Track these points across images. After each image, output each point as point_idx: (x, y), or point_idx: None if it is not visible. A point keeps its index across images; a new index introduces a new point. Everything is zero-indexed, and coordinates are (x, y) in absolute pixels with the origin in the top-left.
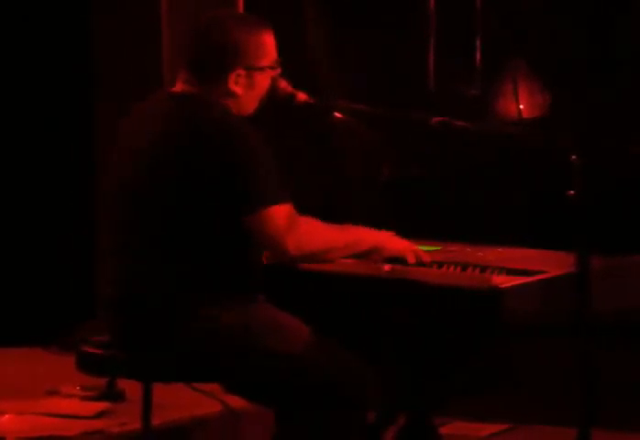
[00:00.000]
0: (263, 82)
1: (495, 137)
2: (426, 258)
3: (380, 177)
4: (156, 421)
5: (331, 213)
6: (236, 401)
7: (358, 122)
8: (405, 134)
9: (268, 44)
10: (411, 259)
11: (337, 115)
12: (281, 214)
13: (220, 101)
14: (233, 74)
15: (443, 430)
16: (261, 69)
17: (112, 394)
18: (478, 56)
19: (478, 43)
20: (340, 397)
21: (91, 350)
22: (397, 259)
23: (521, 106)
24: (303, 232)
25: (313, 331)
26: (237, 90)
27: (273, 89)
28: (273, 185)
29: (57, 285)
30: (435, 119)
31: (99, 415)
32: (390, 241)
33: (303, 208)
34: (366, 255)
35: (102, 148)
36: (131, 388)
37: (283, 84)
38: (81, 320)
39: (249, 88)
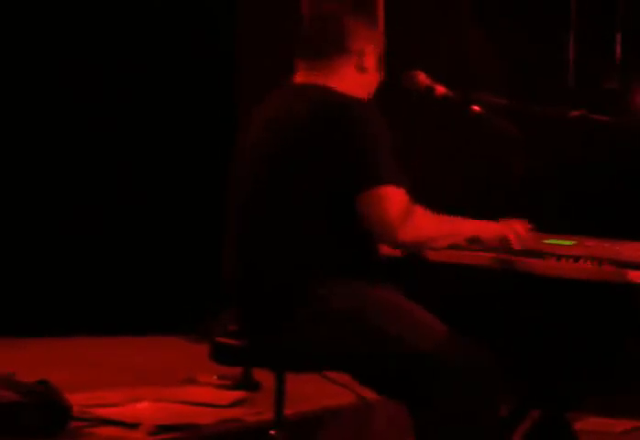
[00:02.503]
0: (376, 67)
1: (634, 131)
2: (529, 237)
3: (516, 171)
4: (289, 410)
5: (465, 207)
6: (369, 393)
7: (496, 116)
8: (543, 128)
9: (377, 32)
10: (514, 242)
11: (475, 108)
12: (395, 195)
13: (339, 87)
14: (348, 58)
15: (576, 425)
16: (374, 54)
17: (248, 384)
18: (618, 51)
19: (618, 38)
20: (473, 390)
21: (223, 340)
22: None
23: None
24: (413, 218)
25: (443, 324)
26: (354, 74)
27: (412, 82)
28: (391, 167)
29: (198, 273)
30: (574, 113)
31: (235, 404)
32: (488, 229)
33: (440, 202)
34: (468, 244)
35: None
36: (268, 378)
37: (422, 77)
38: (220, 308)
39: (364, 72)
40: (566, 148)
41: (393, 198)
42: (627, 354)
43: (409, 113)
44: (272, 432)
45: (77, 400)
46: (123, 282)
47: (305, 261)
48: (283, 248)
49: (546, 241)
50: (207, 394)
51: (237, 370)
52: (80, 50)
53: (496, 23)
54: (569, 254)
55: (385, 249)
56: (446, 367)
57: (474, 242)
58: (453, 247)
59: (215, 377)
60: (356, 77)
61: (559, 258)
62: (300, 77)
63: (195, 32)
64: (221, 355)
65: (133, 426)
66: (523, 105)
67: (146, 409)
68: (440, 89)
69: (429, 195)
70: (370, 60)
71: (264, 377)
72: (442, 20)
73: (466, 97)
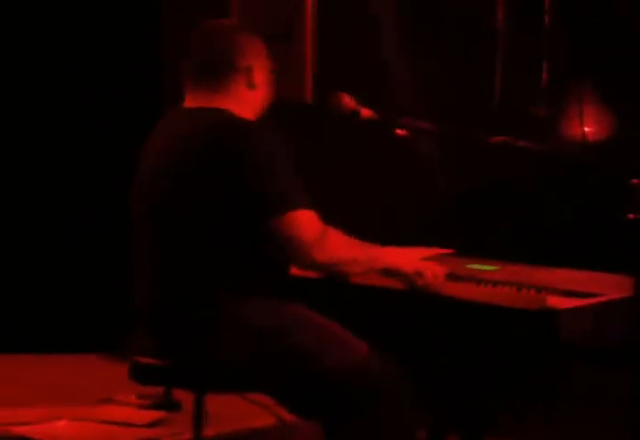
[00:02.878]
0: (266, 81)
1: (556, 158)
2: (441, 279)
3: (438, 194)
4: (210, 431)
5: (388, 229)
6: (289, 414)
7: (419, 139)
8: (466, 152)
9: (263, 47)
10: (428, 278)
11: (399, 131)
12: (306, 218)
13: (231, 107)
14: (237, 76)
15: None
16: (262, 69)
17: (168, 403)
18: (544, 76)
19: (545, 63)
20: (388, 413)
21: (143, 360)
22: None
23: (586, 129)
24: (329, 240)
25: (360, 341)
26: (244, 91)
27: (338, 104)
28: (297, 189)
29: (116, 289)
30: (495, 139)
31: (153, 424)
32: (404, 261)
33: (363, 223)
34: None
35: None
36: (188, 398)
37: (347, 100)
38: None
39: (254, 88)
40: (490, 172)
41: (306, 221)
42: (548, 378)
43: (334, 134)
44: None
45: None
46: (40, 299)
47: (218, 282)
48: (196, 272)
49: (469, 266)
50: (126, 413)
51: (157, 390)
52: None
53: (424, 47)
54: (490, 279)
55: (297, 271)
56: (363, 383)
57: (390, 274)
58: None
59: (133, 396)
60: (246, 94)
61: (479, 282)
62: (190, 100)
63: (121, 31)
64: (141, 374)
65: None
66: (447, 129)
67: (64, 427)
68: (365, 112)
69: (350, 217)
70: (259, 76)
71: (185, 397)
72: (369, 43)
73: (390, 120)
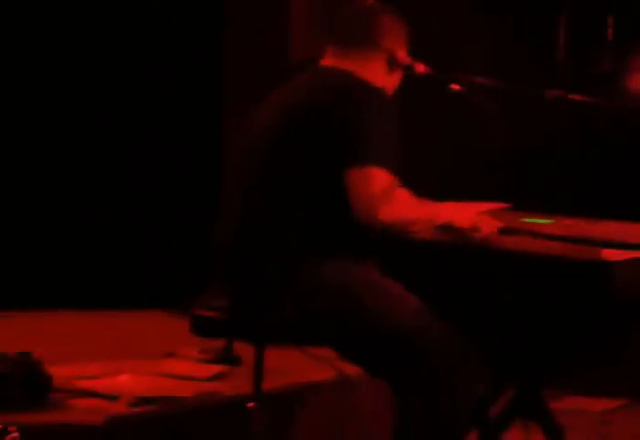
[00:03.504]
0: (400, 70)
1: (615, 112)
2: (494, 229)
3: (496, 150)
4: (268, 385)
5: (444, 184)
6: (351, 368)
7: (475, 94)
8: (523, 106)
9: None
10: (484, 230)
11: (455, 86)
12: (380, 177)
13: (365, 75)
14: (379, 53)
15: (555, 405)
16: (401, 59)
17: (229, 358)
18: (610, 33)
19: (611, 21)
20: (450, 367)
21: (202, 313)
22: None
23: None
24: (396, 201)
25: (420, 301)
26: (382, 68)
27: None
28: (383, 151)
29: (184, 248)
30: (551, 93)
31: (214, 378)
32: (461, 216)
33: (420, 179)
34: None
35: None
36: (249, 352)
37: (402, 55)
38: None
39: (391, 72)
40: (546, 127)
41: (378, 179)
42: (605, 330)
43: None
44: (250, 405)
45: (58, 372)
46: (106, 256)
47: (295, 238)
48: (275, 224)
49: (525, 220)
50: (187, 368)
51: (218, 344)
52: (75, 51)
53: (486, 7)
54: (546, 232)
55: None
56: (423, 341)
57: (446, 229)
58: None
59: (196, 350)
60: (383, 72)
61: (535, 235)
62: (328, 61)
63: (182, 32)
64: (199, 327)
65: (113, 398)
66: (502, 85)
67: (126, 381)
68: (420, 67)
69: (407, 173)
70: (399, 62)
71: (246, 351)
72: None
73: (446, 76)
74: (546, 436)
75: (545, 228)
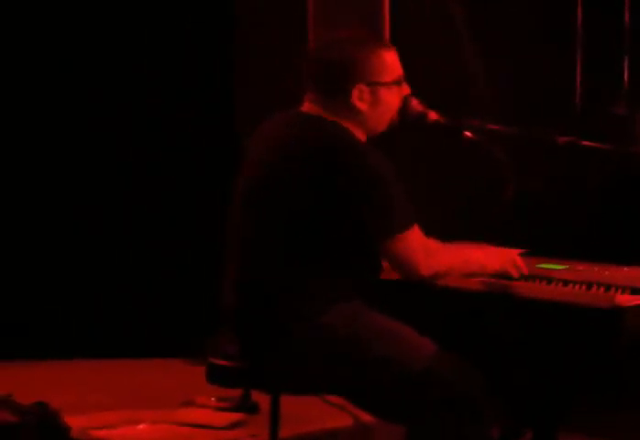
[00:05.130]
0: (389, 98)
1: (626, 157)
2: (525, 270)
3: (506, 197)
4: (285, 432)
5: (455, 231)
6: (367, 415)
7: (487, 142)
8: (536, 152)
9: (389, 61)
10: (515, 274)
11: (467, 134)
12: (411, 238)
13: (345, 122)
14: (355, 90)
15: None
16: (384, 84)
17: (246, 406)
18: (626, 75)
19: (626, 62)
20: (465, 411)
21: (218, 362)
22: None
23: None
24: (431, 253)
25: (434, 344)
26: (362, 106)
27: (405, 107)
28: (402, 211)
29: (198, 297)
30: (562, 139)
31: (232, 426)
32: (491, 259)
33: (434, 225)
34: (474, 274)
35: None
36: (267, 400)
37: (415, 103)
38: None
39: (375, 105)
40: (558, 172)
41: (411, 242)
42: (614, 374)
43: (403, 137)
44: None
45: (76, 422)
46: (123, 305)
47: (304, 286)
48: (282, 275)
49: (539, 265)
50: (205, 416)
51: (235, 393)
52: (81, 52)
53: (499, 48)
54: (560, 278)
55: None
56: (438, 385)
57: (476, 274)
58: None
59: (213, 399)
60: (364, 109)
61: (550, 281)
62: (307, 108)
63: (195, 38)
64: (216, 376)
65: None
66: (514, 130)
67: (144, 431)
68: (432, 115)
69: (422, 220)
70: (378, 93)
71: (263, 399)
72: (442, 45)
73: (458, 123)
74: None
75: (559, 274)
